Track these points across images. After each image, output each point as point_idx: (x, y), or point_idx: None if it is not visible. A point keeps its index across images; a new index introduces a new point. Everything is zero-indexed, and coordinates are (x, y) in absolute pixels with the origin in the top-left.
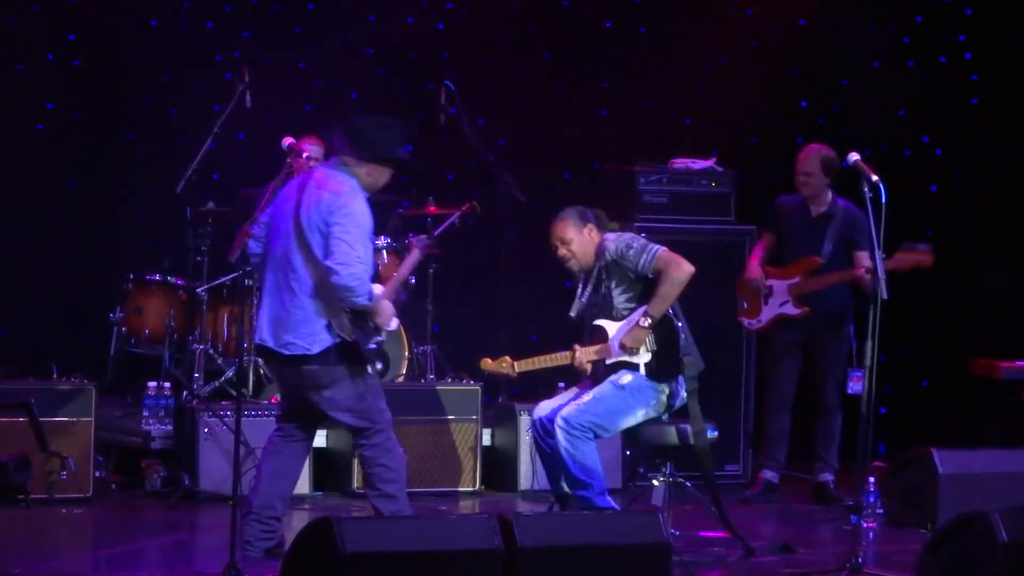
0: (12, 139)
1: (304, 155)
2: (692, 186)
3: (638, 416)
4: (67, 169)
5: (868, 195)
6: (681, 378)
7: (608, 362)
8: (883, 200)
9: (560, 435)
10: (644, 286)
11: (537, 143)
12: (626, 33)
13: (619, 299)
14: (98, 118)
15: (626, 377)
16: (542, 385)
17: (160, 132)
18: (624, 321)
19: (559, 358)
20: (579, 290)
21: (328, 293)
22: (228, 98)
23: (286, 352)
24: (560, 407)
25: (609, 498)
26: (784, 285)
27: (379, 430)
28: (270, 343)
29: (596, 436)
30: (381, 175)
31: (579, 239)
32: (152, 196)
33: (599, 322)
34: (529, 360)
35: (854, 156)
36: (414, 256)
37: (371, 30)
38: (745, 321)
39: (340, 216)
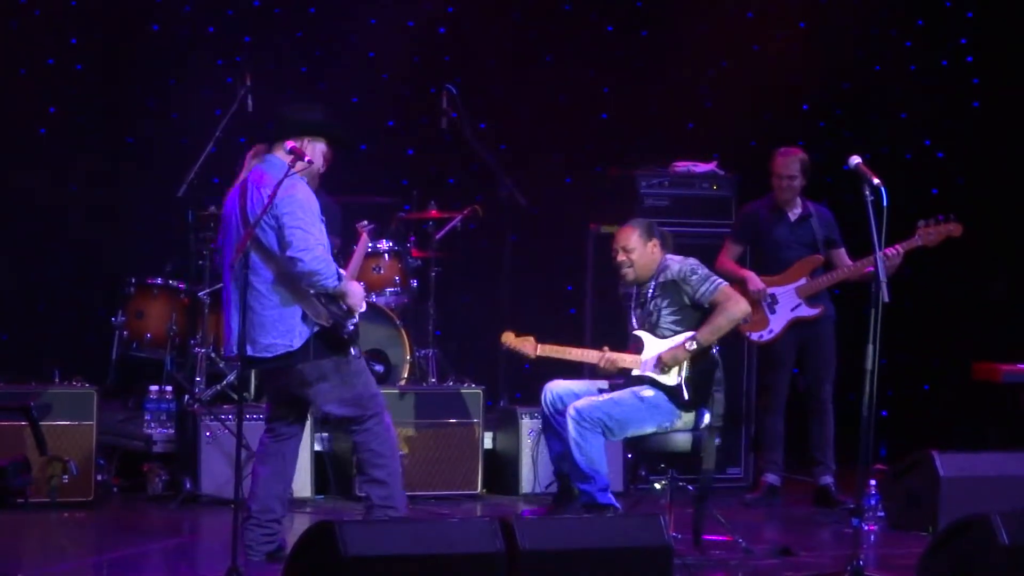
0: (14, 143)
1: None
2: (693, 189)
3: (646, 431)
4: (69, 173)
5: (869, 198)
6: (706, 411)
7: (634, 374)
8: (884, 203)
9: (570, 425)
10: (697, 314)
11: (539, 147)
12: (628, 37)
13: (667, 318)
14: (100, 122)
15: (648, 391)
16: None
17: (162, 136)
18: (667, 340)
19: (585, 355)
20: (632, 304)
21: (295, 284)
22: (230, 102)
23: (269, 355)
24: (574, 393)
25: (611, 496)
26: (790, 289)
27: (371, 415)
28: (250, 351)
29: (603, 434)
30: (314, 153)
31: (641, 250)
32: (154, 200)
33: (639, 333)
34: (553, 347)
35: (855, 159)
36: (363, 242)
37: (373, 34)
38: (753, 335)
39: (286, 205)
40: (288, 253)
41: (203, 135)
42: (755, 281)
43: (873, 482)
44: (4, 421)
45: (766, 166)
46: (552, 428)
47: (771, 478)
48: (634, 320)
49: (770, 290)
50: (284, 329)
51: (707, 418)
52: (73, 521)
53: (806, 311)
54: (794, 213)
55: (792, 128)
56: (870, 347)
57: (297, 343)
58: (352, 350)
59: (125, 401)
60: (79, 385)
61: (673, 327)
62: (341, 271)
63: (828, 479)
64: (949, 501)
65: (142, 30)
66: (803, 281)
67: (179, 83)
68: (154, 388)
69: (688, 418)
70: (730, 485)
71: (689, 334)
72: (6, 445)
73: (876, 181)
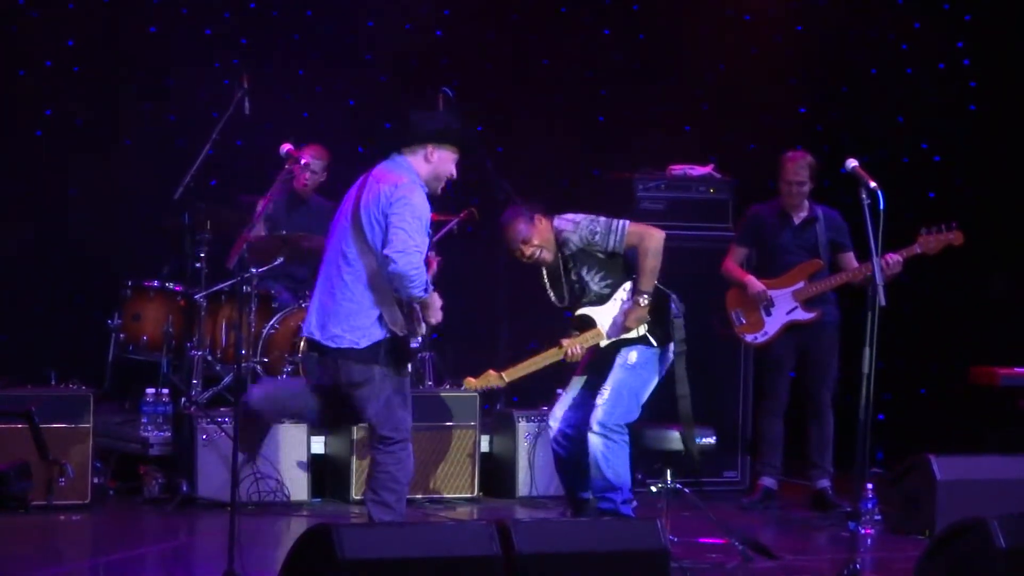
0: (11, 145)
1: (303, 161)
2: (690, 193)
3: (653, 384)
4: (66, 175)
5: (866, 202)
6: (670, 344)
7: (603, 345)
8: (881, 207)
9: (598, 440)
10: (619, 260)
11: (535, 150)
12: (624, 40)
13: (595, 282)
14: (97, 124)
15: (632, 355)
16: (540, 392)
17: (159, 138)
18: (610, 304)
19: (548, 356)
20: (548, 284)
21: (382, 286)
22: (227, 105)
23: (332, 344)
24: (576, 408)
25: (631, 509)
26: (787, 292)
27: (400, 440)
28: (317, 336)
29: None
30: (442, 160)
31: (537, 231)
32: (151, 202)
33: (583, 311)
34: (516, 368)
35: (852, 162)
36: (432, 271)
37: (370, 37)
38: (747, 336)
39: (398, 206)
40: (385, 251)
41: (200, 137)
42: (755, 285)
43: (870, 486)
44: (2, 424)
45: (763, 169)
46: (565, 459)
47: (767, 482)
48: (554, 298)
49: (768, 292)
50: (355, 325)
51: (672, 348)
52: (69, 524)
53: (801, 315)
54: (799, 217)
55: (789, 131)
56: (867, 351)
57: (364, 343)
58: (409, 367)
59: (122, 404)
60: (75, 388)
61: (604, 283)
62: (430, 284)
63: (825, 483)
64: (946, 505)
65: (139, 32)
66: (800, 285)
67: (176, 85)
68: (150, 391)
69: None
70: (727, 488)
71: (628, 288)
72: (6, 449)
73: (873, 184)
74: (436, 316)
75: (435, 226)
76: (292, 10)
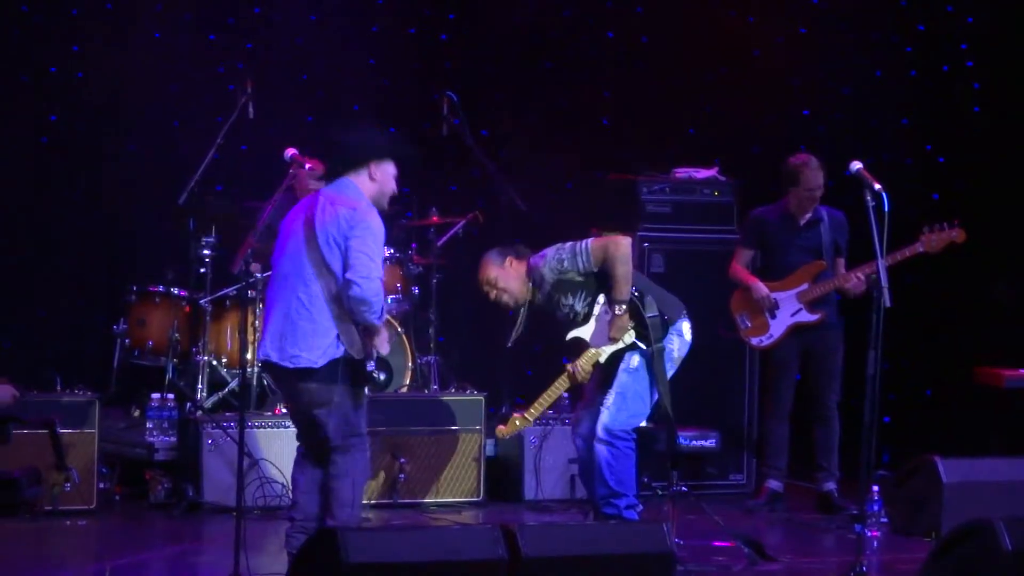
0: (15, 151)
1: (307, 166)
2: (694, 195)
3: (661, 385)
4: (70, 181)
5: (871, 204)
6: (672, 328)
7: (602, 360)
8: (886, 209)
9: (603, 447)
10: (593, 278)
11: (539, 153)
12: (628, 43)
13: (581, 305)
14: (101, 130)
15: (634, 359)
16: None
17: (163, 144)
18: (593, 320)
19: (560, 385)
20: (517, 321)
21: (338, 307)
22: (231, 110)
23: (290, 365)
24: (590, 421)
25: (635, 512)
26: (791, 294)
27: (359, 447)
28: (275, 358)
29: (636, 428)
30: (385, 176)
31: (502, 273)
32: (155, 207)
33: (573, 334)
34: (535, 406)
35: (857, 165)
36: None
37: (374, 41)
38: (753, 339)
39: (359, 230)
40: (348, 274)
41: (204, 142)
42: (760, 289)
43: (876, 488)
44: (15, 429)
45: (767, 172)
46: (585, 468)
47: (774, 484)
48: (560, 327)
49: (772, 295)
50: (313, 345)
51: (668, 342)
52: (75, 529)
53: (806, 316)
54: (803, 218)
55: (793, 133)
56: (872, 352)
57: (320, 362)
58: (366, 389)
59: (127, 409)
60: (81, 393)
61: (588, 302)
62: (385, 312)
63: (831, 485)
64: (952, 507)
65: (143, 37)
66: (805, 286)
67: (180, 90)
68: (156, 396)
69: (668, 341)
70: (733, 491)
71: (602, 301)
72: (11, 454)
73: (877, 186)
74: (383, 347)
75: (440, 229)
76: (296, 15)
